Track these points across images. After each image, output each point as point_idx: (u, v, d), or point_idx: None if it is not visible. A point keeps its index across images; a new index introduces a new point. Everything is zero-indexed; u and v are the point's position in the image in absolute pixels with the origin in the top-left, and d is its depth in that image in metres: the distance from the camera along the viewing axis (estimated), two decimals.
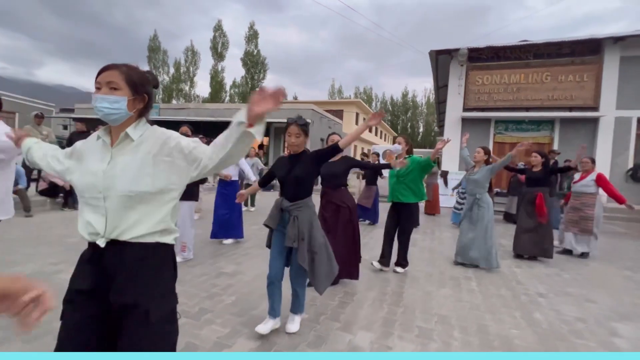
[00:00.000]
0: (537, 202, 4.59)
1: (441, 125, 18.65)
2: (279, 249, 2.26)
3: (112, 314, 1.07)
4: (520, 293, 3.37)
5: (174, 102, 32.33)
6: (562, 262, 4.65)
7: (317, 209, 2.47)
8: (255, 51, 33.11)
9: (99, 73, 1.10)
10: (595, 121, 10.45)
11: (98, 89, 1.08)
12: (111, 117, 1.09)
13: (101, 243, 1.06)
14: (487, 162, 4.27)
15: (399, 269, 3.80)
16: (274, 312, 2.27)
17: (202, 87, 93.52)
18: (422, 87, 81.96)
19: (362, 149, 28.74)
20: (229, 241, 4.64)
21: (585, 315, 2.90)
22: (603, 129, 10.39)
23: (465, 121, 11.63)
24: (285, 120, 2.31)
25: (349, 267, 3.30)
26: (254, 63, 33.10)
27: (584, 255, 4.96)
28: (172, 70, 34.75)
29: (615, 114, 10.29)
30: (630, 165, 10.27)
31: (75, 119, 12.14)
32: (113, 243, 1.07)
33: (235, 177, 4.55)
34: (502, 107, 11.23)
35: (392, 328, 2.47)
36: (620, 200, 4.71)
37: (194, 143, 1.13)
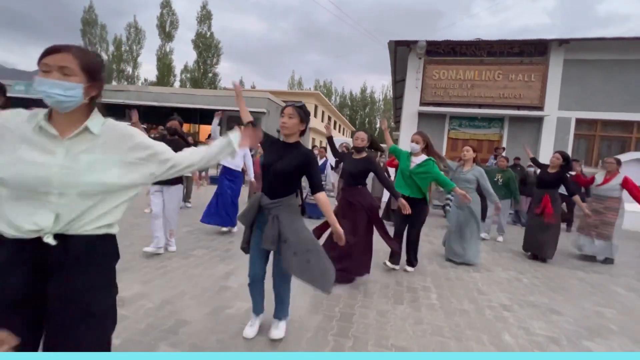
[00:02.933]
0: (542, 204, 4.51)
1: (398, 121, 18.72)
2: (259, 251, 2.07)
3: (46, 306, 1.00)
4: (484, 306, 2.98)
5: (114, 83, 29.02)
6: (519, 265, 4.43)
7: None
8: (209, 33, 30.80)
9: (47, 54, 0.97)
10: (540, 120, 10.88)
11: (46, 72, 0.97)
12: (63, 105, 0.99)
13: (49, 240, 0.96)
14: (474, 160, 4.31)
15: (409, 268, 3.78)
16: (258, 309, 2.20)
17: (149, 70, 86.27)
18: (380, 84, 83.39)
19: (320, 142, 28.24)
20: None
21: (555, 334, 2.55)
22: (546, 128, 10.85)
23: (421, 116, 11.51)
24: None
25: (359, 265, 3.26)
26: (206, 46, 30.77)
27: (607, 261, 4.72)
28: (111, 49, 31.23)
29: (558, 114, 10.78)
30: None
31: None
32: (56, 237, 0.98)
33: (239, 168, 4.72)
34: (457, 102, 11.26)
35: None
36: None
37: (167, 150, 1.17)
